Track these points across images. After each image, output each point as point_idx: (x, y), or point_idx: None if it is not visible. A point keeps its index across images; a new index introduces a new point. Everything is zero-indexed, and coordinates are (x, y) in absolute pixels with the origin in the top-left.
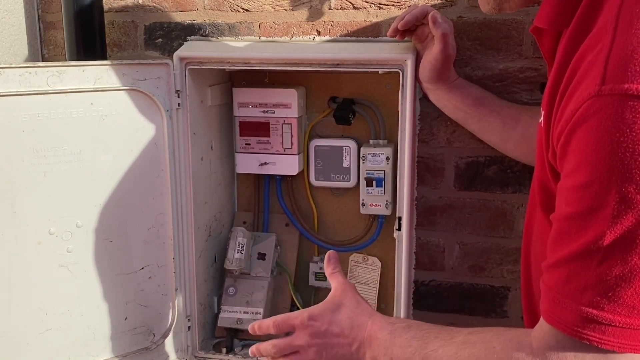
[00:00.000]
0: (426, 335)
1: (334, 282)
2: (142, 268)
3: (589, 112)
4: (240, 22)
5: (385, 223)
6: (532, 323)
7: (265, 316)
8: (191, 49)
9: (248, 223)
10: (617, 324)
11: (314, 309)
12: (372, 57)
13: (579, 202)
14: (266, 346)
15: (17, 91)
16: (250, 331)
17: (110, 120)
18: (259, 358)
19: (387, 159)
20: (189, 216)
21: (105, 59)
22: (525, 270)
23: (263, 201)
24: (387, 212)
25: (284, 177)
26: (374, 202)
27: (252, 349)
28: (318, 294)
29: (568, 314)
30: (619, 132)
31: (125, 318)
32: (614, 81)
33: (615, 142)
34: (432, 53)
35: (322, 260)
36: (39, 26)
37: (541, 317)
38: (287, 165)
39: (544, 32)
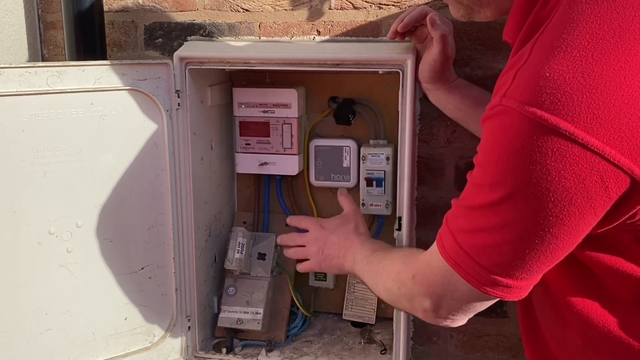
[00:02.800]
0: (377, 253)
1: (345, 205)
2: (142, 268)
3: (486, 117)
4: (240, 22)
5: (385, 223)
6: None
7: (265, 316)
8: (191, 49)
9: (248, 223)
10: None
11: (326, 220)
12: (372, 57)
13: (477, 174)
14: (286, 236)
15: (17, 91)
16: (287, 221)
17: (110, 120)
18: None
19: (387, 159)
20: (189, 216)
21: (105, 59)
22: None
23: (263, 201)
24: (387, 212)
25: (284, 177)
26: (374, 202)
27: (278, 239)
28: (318, 294)
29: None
30: (502, 138)
31: (125, 318)
32: (511, 97)
33: (497, 144)
34: (431, 54)
35: None
36: (39, 26)
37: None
38: (287, 165)
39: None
